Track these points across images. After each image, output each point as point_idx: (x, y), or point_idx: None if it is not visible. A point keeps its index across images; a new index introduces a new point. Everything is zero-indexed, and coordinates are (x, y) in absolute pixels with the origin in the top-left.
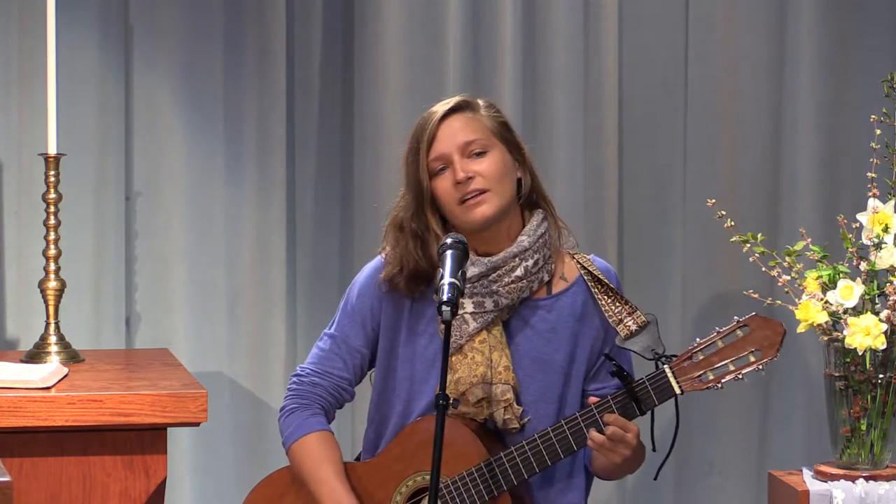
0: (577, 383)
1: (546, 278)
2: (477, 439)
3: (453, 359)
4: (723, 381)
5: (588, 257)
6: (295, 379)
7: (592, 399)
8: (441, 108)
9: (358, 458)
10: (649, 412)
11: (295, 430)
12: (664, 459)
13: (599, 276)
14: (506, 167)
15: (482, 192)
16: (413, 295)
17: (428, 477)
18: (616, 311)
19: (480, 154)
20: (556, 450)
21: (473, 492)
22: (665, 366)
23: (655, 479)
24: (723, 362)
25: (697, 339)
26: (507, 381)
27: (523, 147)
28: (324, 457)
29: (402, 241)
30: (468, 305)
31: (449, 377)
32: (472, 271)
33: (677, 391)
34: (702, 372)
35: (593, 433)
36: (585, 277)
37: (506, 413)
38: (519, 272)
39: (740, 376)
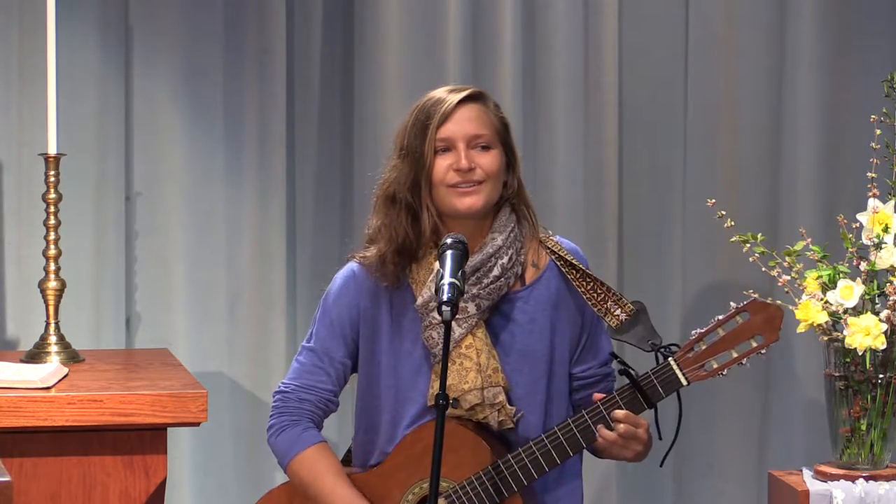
0: (561, 370)
1: (520, 271)
2: (482, 442)
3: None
4: (726, 368)
5: (554, 239)
6: (280, 396)
7: (597, 395)
8: (455, 94)
9: (347, 462)
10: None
11: (291, 447)
12: (669, 447)
13: (572, 261)
14: (501, 168)
15: (478, 183)
16: (396, 283)
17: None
18: (599, 298)
19: (485, 148)
20: (564, 448)
21: (484, 495)
22: (669, 358)
23: (661, 465)
24: (725, 350)
25: (697, 330)
26: (497, 383)
27: (517, 152)
28: (327, 467)
29: (392, 213)
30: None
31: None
32: None
33: (684, 383)
34: (705, 361)
35: (604, 431)
36: (557, 262)
37: (500, 415)
38: (496, 271)
39: (743, 362)
